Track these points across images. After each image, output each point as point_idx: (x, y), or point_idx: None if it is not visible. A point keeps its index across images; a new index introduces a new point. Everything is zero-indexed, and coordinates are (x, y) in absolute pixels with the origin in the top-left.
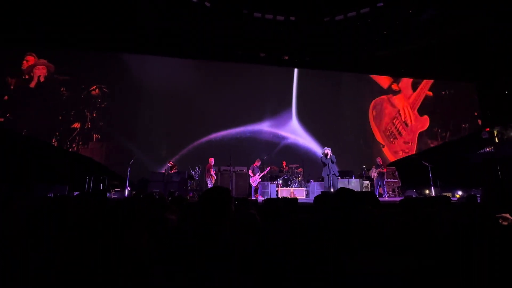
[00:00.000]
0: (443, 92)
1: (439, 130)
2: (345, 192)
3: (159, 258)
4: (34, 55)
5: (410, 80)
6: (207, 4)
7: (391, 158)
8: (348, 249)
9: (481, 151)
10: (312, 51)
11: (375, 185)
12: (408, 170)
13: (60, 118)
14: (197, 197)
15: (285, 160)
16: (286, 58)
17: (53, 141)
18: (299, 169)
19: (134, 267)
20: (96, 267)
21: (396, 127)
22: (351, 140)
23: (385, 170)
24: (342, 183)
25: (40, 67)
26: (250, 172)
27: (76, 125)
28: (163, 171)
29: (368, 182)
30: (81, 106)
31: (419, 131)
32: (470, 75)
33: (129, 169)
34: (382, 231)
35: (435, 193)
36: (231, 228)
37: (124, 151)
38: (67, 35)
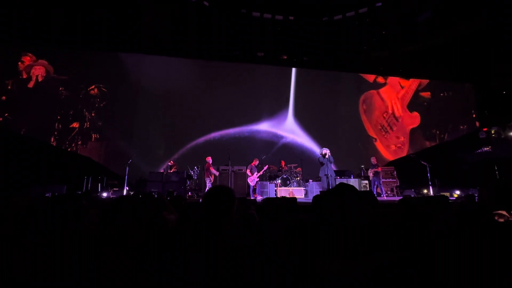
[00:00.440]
0: (441, 94)
1: (438, 132)
2: (344, 187)
3: (159, 257)
4: (31, 55)
5: (398, 79)
6: (205, 3)
7: (384, 152)
8: (348, 248)
9: (479, 150)
10: (311, 51)
11: (371, 185)
12: (406, 170)
13: (58, 117)
14: (195, 197)
15: (283, 159)
16: (285, 57)
17: (52, 140)
18: (298, 169)
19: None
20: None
21: (387, 121)
22: (350, 140)
23: (380, 169)
24: None
25: (39, 67)
26: (248, 172)
27: (75, 124)
28: (162, 171)
29: (366, 181)
30: (79, 105)
31: (410, 127)
32: (468, 75)
33: (127, 168)
34: (381, 231)
35: (433, 193)
36: (232, 227)
37: (123, 150)
38: (65, 35)
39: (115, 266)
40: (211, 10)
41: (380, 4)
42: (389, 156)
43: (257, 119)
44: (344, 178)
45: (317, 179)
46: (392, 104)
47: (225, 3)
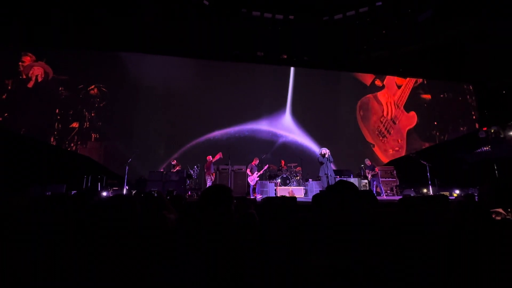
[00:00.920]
0: (441, 95)
1: (437, 133)
2: (344, 185)
3: (159, 257)
4: (31, 55)
5: (395, 79)
6: (205, 2)
7: (382, 157)
8: (347, 248)
9: (478, 150)
10: (311, 50)
11: (370, 185)
12: (406, 169)
13: (58, 117)
14: (195, 196)
15: (283, 159)
16: (285, 57)
17: (52, 140)
18: (298, 168)
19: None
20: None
21: (384, 125)
22: (349, 140)
23: (377, 170)
24: None
25: (38, 67)
26: (248, 171)
27: (75, 124)
28: (162, 170)
29: (366, 181)
30: (79, 105)
31: (407, 128)
32: (467, 75)
33: (127, 168)
34: (380, 230)
35: (433, 192)
36: (231, 227)
37: (123, 150)
38: (65, 34)
39: (115, 265)
40: (211, 10)
41: (380, 3)
42: (382, 156)
43: (257, 118)
44: (343, 177)
45: (316, 178)
46: (389, 106)
47: (225, 2)
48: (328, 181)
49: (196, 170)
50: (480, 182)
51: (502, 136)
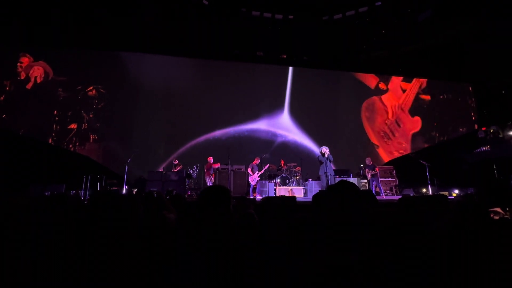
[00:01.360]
0: (440, 96)
1: (437, 134)
2: (345, 185)
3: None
4: (29, 56)
5: (400, 80)
6: (205, 2)
7: (386, 159)
8: (346, 247)
9: (478, 150)
10: (310, 50)
11: (370, 185)
12: (405, 169)
13: (57, 119)
14: (195, 196)
15: (283, 158)
16: (284, 57)
17: (50, 141)
18: (297, 168)
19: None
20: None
21: (389, 127)
22: (349, 139)
23: (377, 170)
24: None
25: (37, 67)
26: (249, 171)
27: (73, 126)
28: (161, 170)
29: (365, 180)
30: (78, 107)
31: (412, 132)
32: (467, 75)
33: (126, 167)
34: (380, 230)
35: (432, 192)
36: (230, 227)
37: (122, 150)
38: (65, 35)
39: (115, 266)
40: (210, 9)
41: (380, 3)
42: (386, 158)
43: (256, 118)
44: (343, 177)
45: (316, 178)
46: (394, 109)
47: (224, 2)
48: (328, 181)
49: (196, 170)
50: (479, 182)
51: (501, 136)
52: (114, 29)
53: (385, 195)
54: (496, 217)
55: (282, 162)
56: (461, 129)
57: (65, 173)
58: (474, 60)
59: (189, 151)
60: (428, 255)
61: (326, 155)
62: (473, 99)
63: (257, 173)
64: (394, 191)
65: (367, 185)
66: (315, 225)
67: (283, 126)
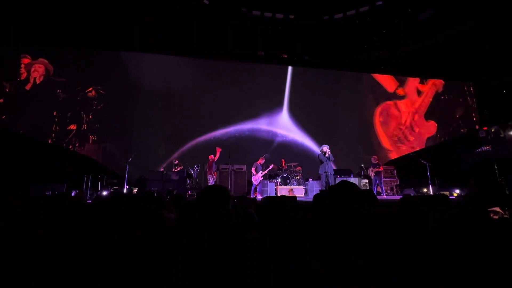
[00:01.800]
0: (442, 97)
1: (438, 135)
2: (346, 185)
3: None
4: (29, 57)
5: (416, 85)
6: (205, 1)
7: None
8: (346, 247)
9: (479, 150)
10: (311, 49)
11: (372, 184)
12: (406, 169)
13: (56, 120)
14: (195, 196)
15: (283, 158)
16: (285, 56)
17: (49, 142)
18: (298, 168)
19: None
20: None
21: (403, 133)
22: (349, 139)
23: (381, 169)
24: None
25: (37, 66)
26: (253, 170)
27: (72, 126)
28: (162, 169)
29: (366, 180)
30: (77, 107)
31: (427, 136)
32: (468, 75)
33: (127, 167)
34: (380, 230)
35: (433, 192)
36: (230, 227)
37: (122, 150)
38: (64, 34)
39: (115, 265)
40: (211, 9)
41: (381, 2)
42: None
43: (257, 118)
44: (344, 177)
45: (317, 178)
46: (409, 116)
47: (225, 1)
48: (328, 180)
49: (196, 170)
50: (480, 181)
51: (502, 135)
52: (114, 29)
53: (386, 195)
54: (496, 217)
55: (283, 161)
56: (462, 130)
57: (66, 172)
58: (474, 60)
59: (190, 151)
60: (428, 255)
61: (327, 155)
62: (474, 99)
63: (261, 173)
64: (395, 190)
65: (367, 185)
66: (316, 225)
67: (284, 125)
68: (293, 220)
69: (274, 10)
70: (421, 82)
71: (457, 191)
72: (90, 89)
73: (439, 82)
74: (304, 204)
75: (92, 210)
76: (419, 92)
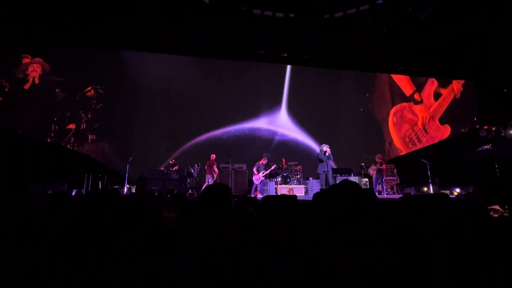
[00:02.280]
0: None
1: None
2: (347, 185)
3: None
4: (29, 56)
5: (433, 89)
6: (205, 1)
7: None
8: (347, 247)
9: (479, 149)
10: (311, 48)
11: (374, 182)
12: (406, 168)
13: (55, 119)
14: (196, 195)
15: (284, 157)
16: (285, 55)
17: (49, 141)
18: (298, 167)
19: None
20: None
21: (416, 134)
22: (349, 139)
23: (384, 167)
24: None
25: (35, 68)
26: (254, 170)
27: (71, 126)
28: (162, 169)
29: (366, 179)
30: (76, 107)
31: (439, 139)
32: (469, 74)
33: (127, 166)
34: (381, 230)
35: (433, 191)
36: (230, 226)
37: (122, 149)
38: (64, 34)
39: (115, 265)
40: (211, 8)
41: (381, 1)
42: None
43: (257, 117)
44: (345, 176)
45: (317, 177)
46: (424, 120)
47: (225, 1)
48: (327, 179)
49: (197, 169)
50: (481, 180)
51: (503, 134)
52: (114, 29)
53: (386, 194)
54: (495, 215)
55: (283, 160)
56: (462, 130)
57: (67, 172)
58: (475, 59)
59: (190, 150)
60: (428, 255)
61: (327, 154)
62: (474, 97)
63: (263, 173)
64: (395, 189)
65: (368, 184)
66: (316, 224)
67: (284, 125)
68: (293, 219)
69: (274, 9)
70: (441, 85)
71: (458, 190)
72: (89, 88)
73: (458, 88)
74: (304, 203)
75: (92, 210)
76: (436, 97)
